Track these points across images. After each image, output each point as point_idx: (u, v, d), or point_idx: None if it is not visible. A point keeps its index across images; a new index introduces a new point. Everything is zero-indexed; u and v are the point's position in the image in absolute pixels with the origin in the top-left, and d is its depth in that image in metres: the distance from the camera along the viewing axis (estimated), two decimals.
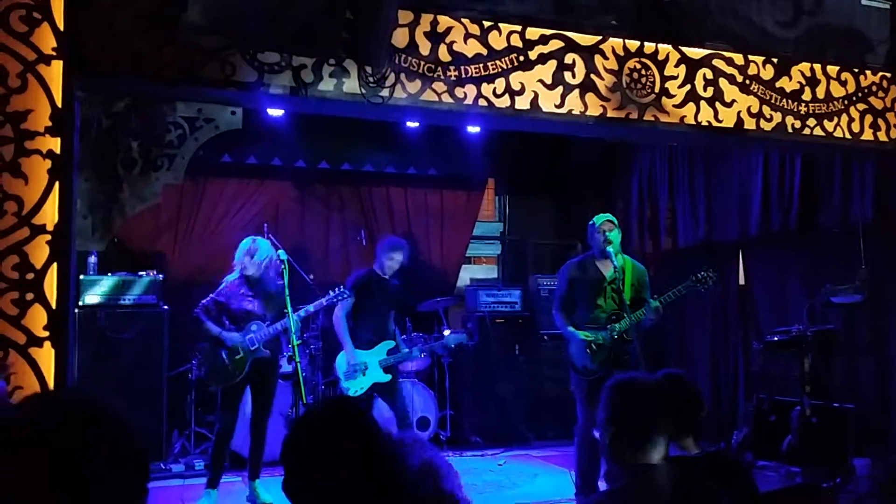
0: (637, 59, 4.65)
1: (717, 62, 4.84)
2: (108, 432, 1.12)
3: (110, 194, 4.23)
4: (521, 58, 4.40)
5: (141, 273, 6.37)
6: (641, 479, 2.02)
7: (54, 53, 3.54)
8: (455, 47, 4.26)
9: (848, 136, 5.16)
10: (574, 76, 4.50)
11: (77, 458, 1.08)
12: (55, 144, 3.54)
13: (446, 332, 6.59)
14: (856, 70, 5.20)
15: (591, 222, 5.22)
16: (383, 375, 5.75)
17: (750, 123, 4.91)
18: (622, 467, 2.08)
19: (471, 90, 4.29)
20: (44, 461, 1.06)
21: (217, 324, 5.37)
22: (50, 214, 3.53)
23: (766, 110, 4.95)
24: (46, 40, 3.54)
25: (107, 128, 4.03)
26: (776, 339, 6.03)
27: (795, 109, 5.02)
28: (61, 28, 3.55)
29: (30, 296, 3.48)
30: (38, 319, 3.49)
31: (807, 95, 5.06)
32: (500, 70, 4.35)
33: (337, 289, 5.51)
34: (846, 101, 5.17)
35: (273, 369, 5.55)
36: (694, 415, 2.67)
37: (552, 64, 4.46)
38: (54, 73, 3.55)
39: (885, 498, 5.15)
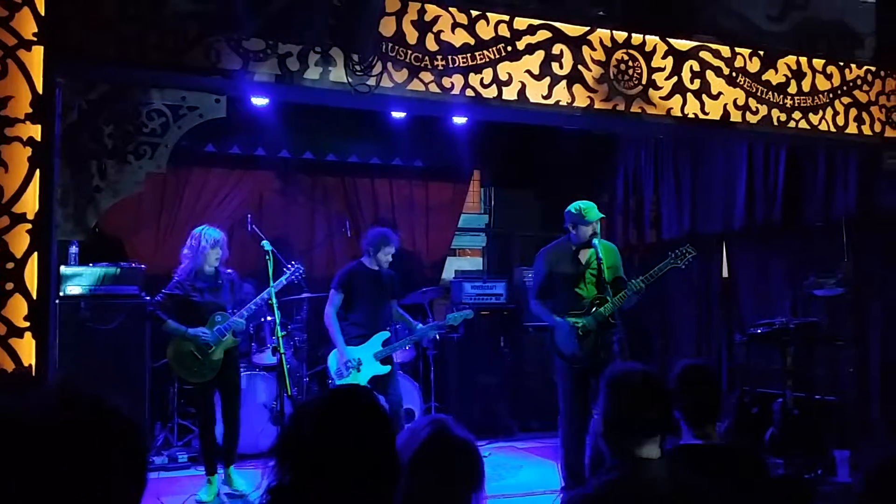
0: (624, 51, 4.64)
1: (703, 54, 4.84)
2: (105, 423, 1.11)
3: (91, 183, 4.17)
4: (509, 48, 4.38)
5: (123, 263, 6.30)
6: (637, 472, 2.01)
7: (35, 39, 3.48)
8: (442, 37, 4.23)
9: (833, 129, 5.19)
10: (561, 67, 4.49)
11: (75, 450, 1.06)
12: (36, 132, 3.49)
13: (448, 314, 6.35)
14: (841, 64, 5.23)
15: (575, 209, 5.12)
16: (381, 367, 5.68)
17: (736, 116, 4.92)
18: (619, 459, 2.07)
19: (458, 80, 4.26)
20: (41, 454, 1.04)
21: (177, 320, 5.29)
22: (30, 203, 3.48)
23: (753, 103, 4.97)
24: (27, 25, 3.47)
25: (87, 114, 3.98)
26: (759, 331, 6.05)
27: (781, 102, 5.04)
28: (42, 13, 3.49)
29: (9, 286, 3.43)
30: (18, 310, 3.44)
31: (792, 88, 5.08)
32: (487, 60, 4.33)
33: (291, 265, 5.47)
34: (831, 95, 5.19)
35: (236, 355, 5.58)
36: (714, 404, 2.70)
37: (540, 54, 4.44)
38: (35, 58, 3.48)
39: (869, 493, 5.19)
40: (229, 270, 5.49)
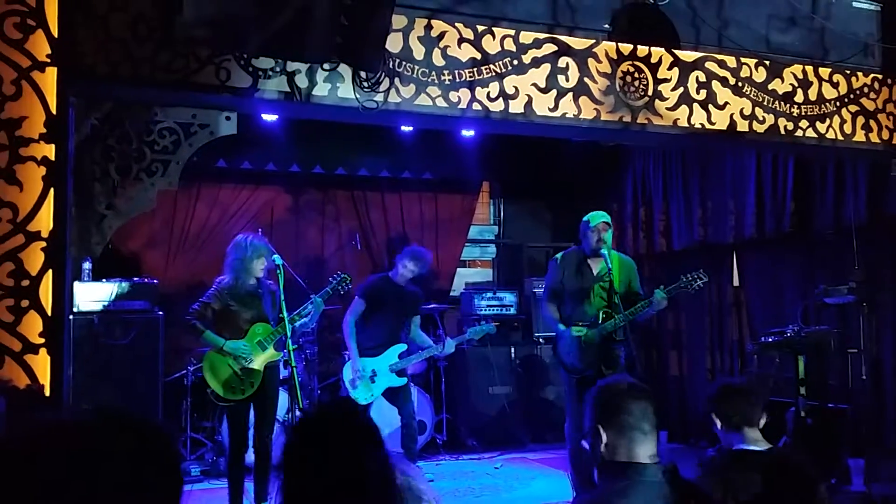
0: (630, 63, 4.67)
1: (709, 65, 4.86)
2: (146, 445, 1.12)
3: (104, 201, 4.23)
4: (515, 62, 4.42)
5: (135, 279, 6.36)
6: (631, 480, 2.04)
7: (48, 60, 3.55)
8: (449, 52, 4.28)
9: (840, 137, 5.20)
10: (568, 80, 4.52)
11: (113, 470, 1.07)
12: (50, 151, 3.55)
13: (469, 328, 6.29)
14: (848, 72, 5.24)
15: (584, 220, 5.18)
16: (397, 380, 5.67)
17: (743, 125, 4.93)
18: (611, 468, 2.11)
19: (465, 94, 4.30)
20: (80, 469, 1.05)
21: (212, 330, 5.02)
22: (45, 221, 3.53)
23: (759, 112, 4.98)
24: (41, 47, 3.54)
25: (99, 133, 4.04)
26: (771, 340, 6.03)
27: (788, 111, 5.05)
28: (55, 34, 3.56)
29: (25, 303, 3.48)
30: (33, 326, 3.49)
31: (799, 97, 5.09)
32: (493, 74, 4.37)
33: (336, 275, 5.37)
34: (838, 103, 5.20)
35: (278, 374, 5.27)
36: (748, 409, 2.85)
37: (546, 68, 4.48)
38: (49, 79, 3.55)
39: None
40: (270, 281, 5.15)
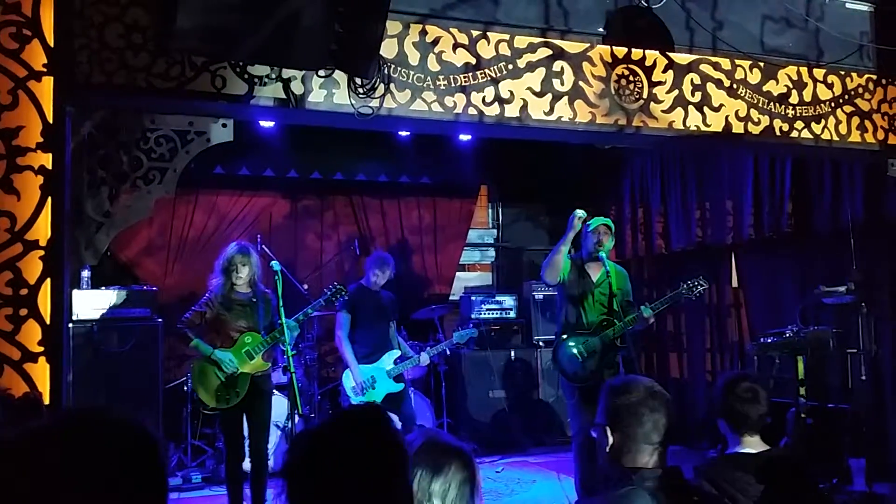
0: (625, 66, 4.68)
1: (704, 67, 4.88)
2: (129, 445, 1.13)
3: (101, 209, 4.24)
4: (510, 66, 4.43)
5: (134, 286, 6.37)
6: (634, 486, 2.03)
7: (45, 70, 3.56)
8: (444, 57, 4.30)
9: (835, 138, 5.21)
10: (563, 83, 4.54)
11: (96, 471, 1.08)
12: (47, 160, 3.56)
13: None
14: (842, 73, 5.25)
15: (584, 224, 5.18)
16: (395, 385, 5.75)
17: (738, 127, 4.95)
18: (620, 470, 2.09)
19: (460, 99, 4.32)
20: (64, 475, 1.06)
21: (204, 338, 5.03)
22: (43, 230, 3.54)
23: (754, 114, 4.99)
24: (37, 57, 3.55)
25: (95, 141, 4.05)
26: (770, 340, 6.04)
27: (783, 113, 5.07)
28: (52, 44, 3.57)
29: (24, 311, 3.49)
30: (32, 335, 3.50)
31: (794, 98, 5.10)
32: (489, 79, 4.39)
33: (331, 286, 5.39)
34: (833, 104, 5.21)
35: (268, 384, 5.25)
36: (756, 414, 2.72)
37: (541, 72, 4.49)
38: (45, 89, 3.56)
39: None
40: (268, 290, 5.17)
